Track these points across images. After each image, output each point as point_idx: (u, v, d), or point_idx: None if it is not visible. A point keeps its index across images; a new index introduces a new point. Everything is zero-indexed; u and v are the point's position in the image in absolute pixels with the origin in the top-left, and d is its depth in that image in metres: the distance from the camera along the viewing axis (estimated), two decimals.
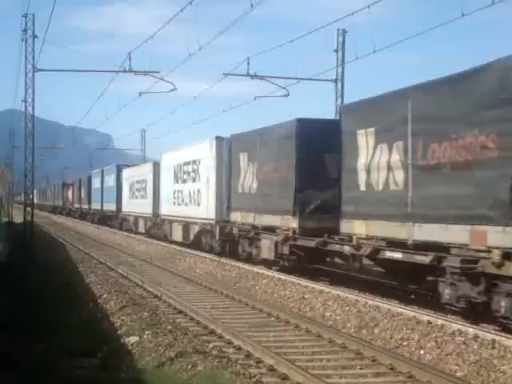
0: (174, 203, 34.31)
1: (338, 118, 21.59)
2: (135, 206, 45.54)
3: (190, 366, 10.11)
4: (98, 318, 14.36)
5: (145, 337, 12.21)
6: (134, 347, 11.68)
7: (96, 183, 60.96)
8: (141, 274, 23.09)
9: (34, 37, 29.49)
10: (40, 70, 29.86)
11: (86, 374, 9.97)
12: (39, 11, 32.46)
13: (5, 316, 13.62)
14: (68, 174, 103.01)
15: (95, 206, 61.05)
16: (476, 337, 12.21)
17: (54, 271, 22.56)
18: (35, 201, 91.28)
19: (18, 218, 46.54)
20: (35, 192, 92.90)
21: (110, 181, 54.44)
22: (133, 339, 12.16)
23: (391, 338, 12.89)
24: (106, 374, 9.99)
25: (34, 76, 29.52)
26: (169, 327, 13.05)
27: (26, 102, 30.00)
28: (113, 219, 53.84)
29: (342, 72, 31.87)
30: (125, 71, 29.57)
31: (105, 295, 17.51)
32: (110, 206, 53.50)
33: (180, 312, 15.85)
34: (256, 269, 23.21)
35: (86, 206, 67.40)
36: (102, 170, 58.50)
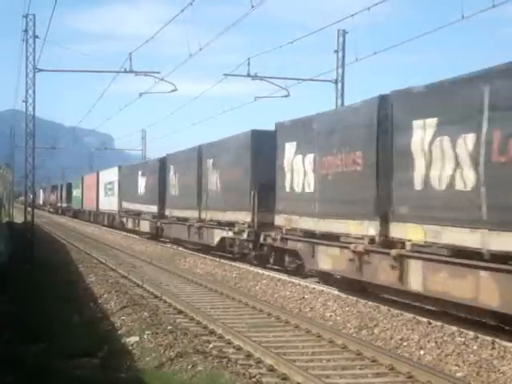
0: None
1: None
2: None
3: (190, 367, 10.12)
4: (99, 318, 14.37)
5: (145, 337, 12.22)
6: (135, 347, 11.69)
7: None
8: (141, 275, 23.10)
9: (35, 37, 29.38)
10: (41, 71, 29.72)
11: (86, 374, 9.98)
12: (39, 12, 32.38)
13: (5, 316, 13.63)
14: (68, 175, 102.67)
15: None
16: (476, 337, 12.20)
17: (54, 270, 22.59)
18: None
19: (20, 219, 46.44)
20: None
21: None
22: (133, 339, 12.17)
23: (391, 338, 12.89)
24: (106, 374, 10.00)
25: (34, 76, 29.38)
26: (169, 327, 13.06)
27: (26, 102, 29.84)
28: None
29: (343, 73, 31.84)
30: (125, 72, 29.47)
31: (105, 295, 17.52)
32: None
33: (180, 312, 15.86)
34: (256, 269, 23.23)
35: None
36: None
